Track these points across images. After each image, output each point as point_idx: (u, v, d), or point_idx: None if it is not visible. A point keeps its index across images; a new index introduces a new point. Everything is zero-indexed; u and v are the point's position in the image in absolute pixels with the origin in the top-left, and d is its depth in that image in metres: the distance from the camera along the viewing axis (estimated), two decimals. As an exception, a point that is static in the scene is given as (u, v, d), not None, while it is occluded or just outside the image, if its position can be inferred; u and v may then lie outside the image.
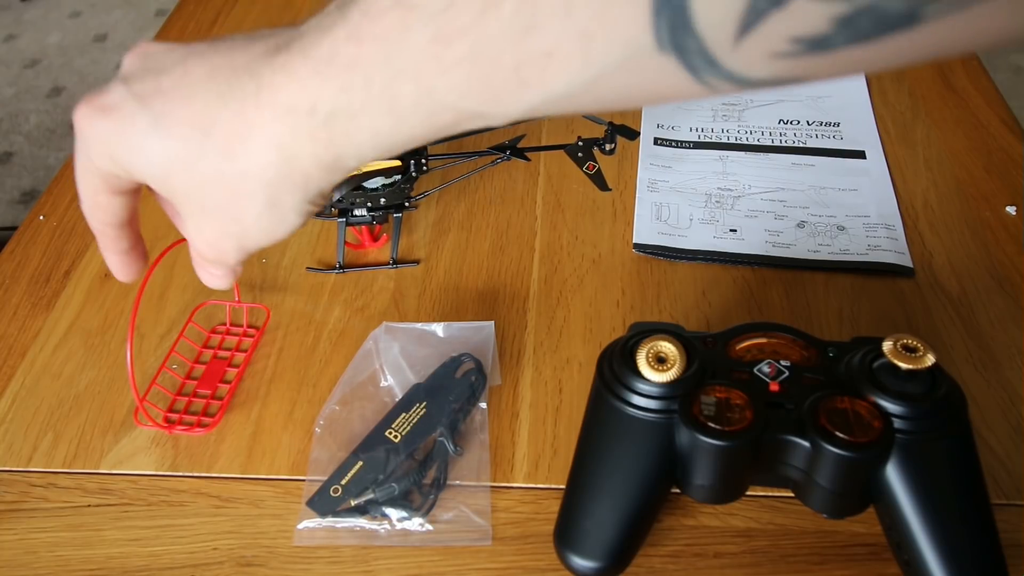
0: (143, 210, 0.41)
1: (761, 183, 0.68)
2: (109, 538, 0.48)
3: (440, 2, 0.27)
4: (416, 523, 0.47)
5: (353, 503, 0.48)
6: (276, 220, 0.35)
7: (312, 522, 0.47)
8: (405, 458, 0.49)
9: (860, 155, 0.71)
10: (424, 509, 0.47)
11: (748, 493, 0.46)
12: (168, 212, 0.40)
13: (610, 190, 0.67)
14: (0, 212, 2.01)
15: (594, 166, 0.62)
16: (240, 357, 0.56)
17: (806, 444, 0.40)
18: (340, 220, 0.62)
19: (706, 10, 0.23)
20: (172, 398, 0.54)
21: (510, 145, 0.63)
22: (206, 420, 0.53)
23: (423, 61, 0.28)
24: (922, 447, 0.40)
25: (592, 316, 0.59)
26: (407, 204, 0.62)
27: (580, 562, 0.43)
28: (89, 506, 0.50)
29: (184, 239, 0.40)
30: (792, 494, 0.44)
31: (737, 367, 0.43)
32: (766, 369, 0.43)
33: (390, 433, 0.50)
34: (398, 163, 0.59)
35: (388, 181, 0.60)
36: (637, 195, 0.68)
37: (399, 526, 0.47)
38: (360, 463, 0.49)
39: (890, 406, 0.40)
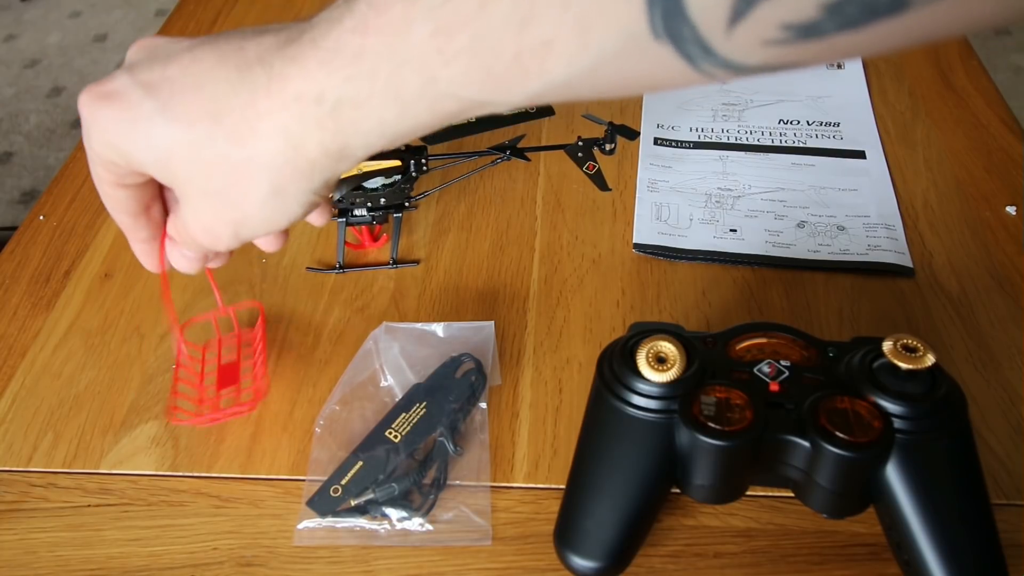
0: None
1: (761, 183, 0.68)
2: (109, 538, 0.48)
3: None
4: (416, 523, 0.47)
5: (353, 503, 0.48)
6: (278, 208, 0.35)
7: (312, 522, 0.47)
8: (405, 458, 0.49)
9: (860, 155, 0.71)
10: (424, 509, 0.47)
11: (748, 493, 0.46)
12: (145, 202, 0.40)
13: (610, 190, 0.67)
14: (0, 212, 2.01)
15: (594, 166, 0.62)
16: (248, 354, 0.56)
17: (806, 444, 0.40)
18: (340, 220, 0.62)
19: None
20: (199, 398, 0.53)
21: (510, 145, 0.63)
22: (241, 406, 0.52)
23: (426, 53, 0.29)
24: (922, 447, 0.40)
25: (592, 316, 0.59)
26: (407, 204, 0.62)
27: (580, 562, 0.43)
28: (89, 506, 0.50)
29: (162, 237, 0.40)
30: (792, 494, 0.44)
31: (737, 367, 0.43)
32: (766, 369, 0.43)
33: (390, 433, 0.50)
34: (398, 163, 0.59)
35: (388, 181, 0.60)
36: (637, 195, 0.68)
37: (399, 526, 0.47)
38: (360, 463, 0.49)
39: (890, 406, 0.40)
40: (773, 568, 0.45)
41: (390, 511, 0.47)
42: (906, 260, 0.61)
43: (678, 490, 0.44)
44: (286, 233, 0.42)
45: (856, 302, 0.59)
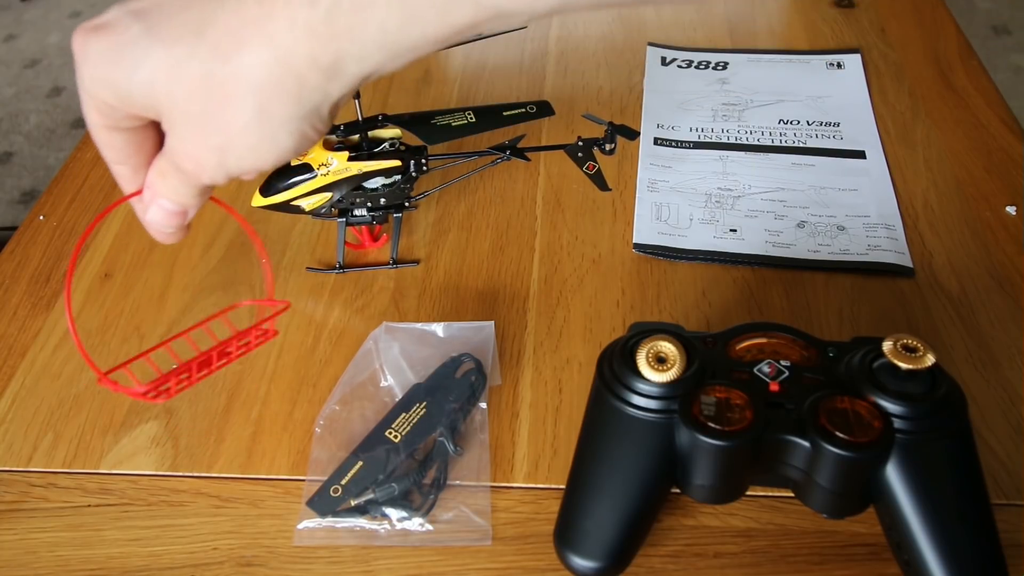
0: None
1: (761, 183, 0.68)
2: (109, 538, 0.48)
3: None
4: (416, 523, 0.47)
5: (353, 503, 0.48)
6: (264, 135, 0.33)
7: (312, 522, 0.47)
8: (405, 458, 0.49)
9: (860, 155, 0.71)
10: (424, 509, 0.47)
11: (748, 493, 0.46)
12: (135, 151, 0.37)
13: (610, 190, 0.67)
14: (0, 212, 2.01)
15: (594, 166, 0.62)
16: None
17: (806, 444, 0.40)
18: (340, 220, 0.62)
19: None
20: (157, 374, 0.48)
21: (510, 145, 0.63)
22: (162, 390, 0.47)
23: None
24: (922, 447, 0.40)
25: (592, 316, 0.59)
26: (407, 204, 0.62)
27: (580, 562, 0.43)
28: (89, 506, 0.50)
29: (134, 193, 0.38)
30: (792, 494, 0.44)
31: (737, 367, 0.43)
32: (766, 369, 0.43)
33: (390, 433, 0.50)
34: (398, 163, 0.59)
35: (388, 181, 0.60)
36: (637, 195, 0.68)
37: (399, 526, 0.47)
38: (360, 463, 0.49)
39: (890, 406, 0.40)
40: (773, 568, 0.45)
41: (390, 511, 0.47)
42: (906, 260, 0.61)
43: (678, 490, 0.44)
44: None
45: (856, 302, 0.59)
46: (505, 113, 0.62)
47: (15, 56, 2.51)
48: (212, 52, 0.31)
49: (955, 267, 0.61)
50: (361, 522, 0.47)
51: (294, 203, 0.59)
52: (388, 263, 0.63)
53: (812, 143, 0.72)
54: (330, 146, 0.58)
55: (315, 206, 0.59)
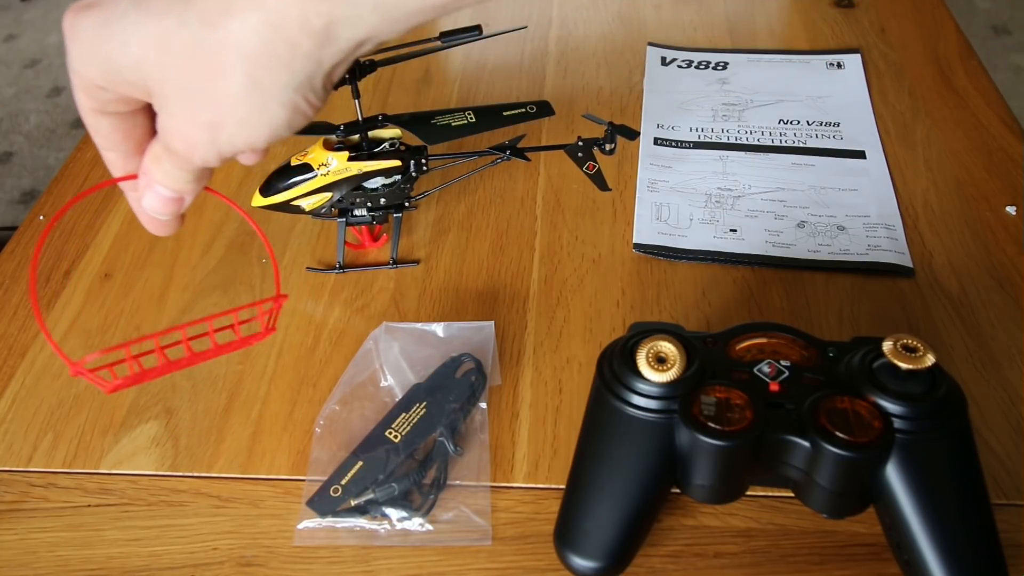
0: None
1: (761, 183, 0.68)
2: (109, 538, 0.48)
3: None
4: (416, 523, 0.47)
5: (353, 503, 0.48)
6: (256, 107, 0.31)
7: (312, 522, 0.47)
8: (405, 458, 0.49)
9: (860, 155, 0.71)
10: (424, 509, 0.47)
11: (748, 493, 0.46)
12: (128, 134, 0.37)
13: (610, 190, 0.67)
14: (0, 212, 2.01)
15: (594, 166, 0.62)
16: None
17: (806, 444, 0.40)
18: (340, 220, 0.62)
19: None
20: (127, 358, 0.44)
21: (510, 145, 0.63)
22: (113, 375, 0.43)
23: None
24: (922, 447, 0.40)
25: (592, 316, 0.59)
26: (407, 204, 0.62)
27: (580, 562, 0.43)
28: (89, 506, 0.50)
29: (124, 177, 0.37)
30: (792, 494, 0.44)
31: (737, 367, 0.43)
32: (766, 369, 0.43)
33: (390, 433, 0.50)
34: (398, 163, 0.59)
35: (388, 181, 0.60)
36: (637, 195, 0.68)
37: (399, 526, 0.47)
38: (360, 463, 0.49)
39: (890, 406, 0.40)
40: (773, 568, 0.45)
41: (390, 511, 0.47)
42: (906, 260, 0.61)
43: (678, 490, 0.44)
44: (266, 149, 0.38)
45: (856, 302, 0.59)
46: (505, 113, 0.62)
47: (15, 56, 2.51)
48: (201, 19, 0.30)
49: (955, 267, 0.61)
50: (361, 522, 0.47)
51: (294, 203, 0.59)
52: (388, 263, 0.63)
53: (812, 143, 0.72)
54: (330, 146, 0.58)
55: (315, 206, 0.59)
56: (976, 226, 0.64)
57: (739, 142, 0.73)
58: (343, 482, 0.48)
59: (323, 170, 0.58)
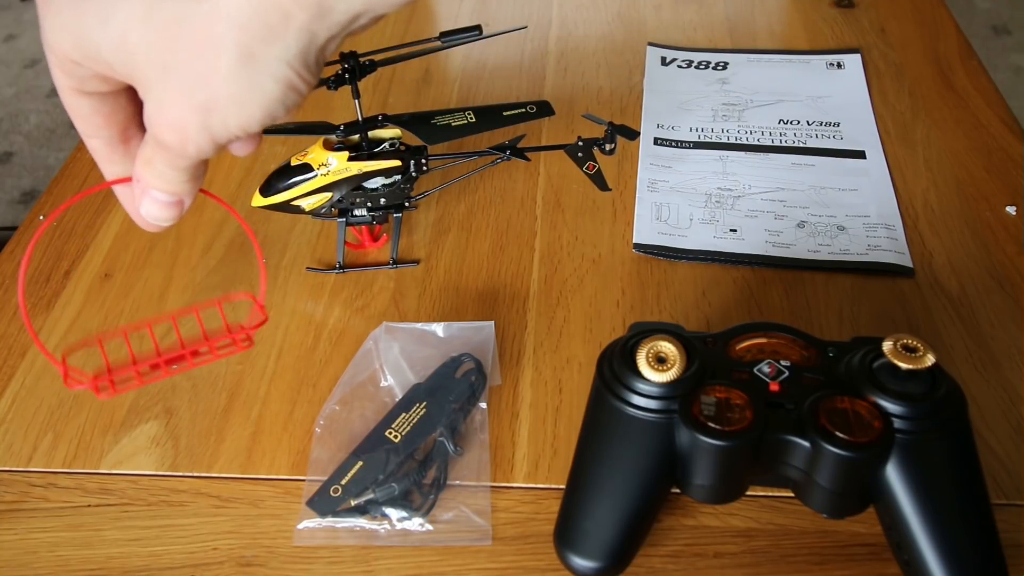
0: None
1: (761, 183, 0.68)
2: (109, 538, 0.48)
3: None
4: (416, 523, 0.47)
5: (353, 503, 0.48)
6: (249, 83, 0.30)
7: (312, 522, 0.47)
8: (405, 458, 0.49)
9: (860, 155, 0.71)
10: (424, 509, 0.47)
11: (748, 493, 0.46)
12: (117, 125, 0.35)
13: (610, 190, 0.67)
14: (0, 212, 2.01)
15: (594, 166, 0.62)
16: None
17: (806, 444, 0.40)
18: (340, 220, 0.62)
19: None
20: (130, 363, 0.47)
21: (510, 145, 0.63)
22: (109, 383, 0.45)
23: None
24: (922, 447, 0.40)
25: (592, 316, 0.59)
26: (407, 204, 0.62)
27: (580, 562, 0.43)
28: (89, 506, 0.50)
29: (117, 180, 0.36)
30: (792, 494, 0.44)
31: (737, 367, 0.43)
32: (766, 369, 0.43)
33: (390, 433, 0.50)
34: (398, 163, 0.59)
35: (388, 181, 0.60)
36: (637, 195, 0.68)
37: (399, 526, 0.47)
38: (360, 463, 0.49)
39: (890, 406, 0.40)
40: (773, 568, 0.45)
41: (390, 511, 0.47)
42: (906, 260, 0.61)
43: (678, 490, 0.44)
44: (259, 136, 0.36)
45: (856, 302, 0.59)
46: (505, 113, 0.62)
47: (15, 56, 2.51)
48: None
49: (955, 267, 0.61)
50: (361, 522, 0.47)
51: (294, 203, 0.59)
52: (388, 263, 0.63)
53: (812, 143, 0.72)
54: (330, 146, 0.58)
55: (315, 206, 0.59)
56: (976, 226, 0.64)
57: (739, 142, 0.73)
58: (343, 482, 0.48)
59: (323, 170, 0.58)
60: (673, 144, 0.73)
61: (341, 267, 0.63)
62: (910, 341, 0.40)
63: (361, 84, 0.57)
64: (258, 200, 0.59)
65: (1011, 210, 0.65)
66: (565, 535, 0.44)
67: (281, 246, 0.65)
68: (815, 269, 0.61)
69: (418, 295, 0.61)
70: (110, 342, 0.51)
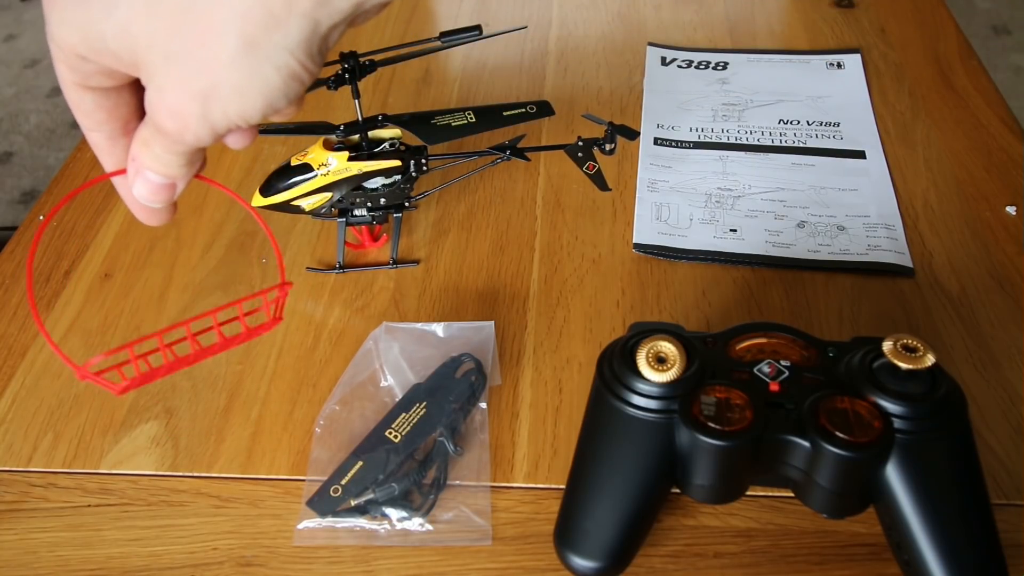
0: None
1: (761, 183, 0.68)
2: (109, 538, 0.48)
3: None
4: (416, 523, 0.47)
5: (353, 503, 0.48)
6: (251, 72, 0.30)
7: (312, 522, 0.47)
8: (405, 458, 0.49)
9: (860, 155, 0.71)
10: (424, 509, 0.47)
11: (748, 493, 0.46)
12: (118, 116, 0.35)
13: (610, 190, 0.67)
14: (0, 212, 2.01)
15: (594, 166, 0.62)
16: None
17: (806, 444, 0.40)
18: (340, 220, 0.62)
19: None
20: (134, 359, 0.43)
21: (510, 145, 0.63)
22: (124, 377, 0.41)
23: None
24: (922, 447, 0.40)
25: (592, 316, 0.59)
26: (407, 204, 0.62)
27: (580, 562, 0.43)
28: (89, 506, 0.50)
29: (115, 172, 0.36)
30: (792, 494, 0.44)
31: (737, 367, 0.43)
32: (766, 369, 0.43)
33: (390, 433, 0.50)
34: (398, 163, 0.59)
35: (388, 181, 0.60)
36: (637, 195, 0.68)
37: (399, 526, 0.47)
38: (360, 463, 0.49)
39: (890, 406, 0.40)
40: (773, 568, 0.45)
41: (390, 511, 0.47)
42: (906, 260, 0.61)
43: (678, 490, 0.44)
44: (255, 130, 0.36)
45: (856, 302, 0.59)
46: (505, 113, 0.62)
47: (15, 56, 2.51)
48: None
49: (955, 267, 0.61)
50: (361, 522, 0.47)
51: (294, 203, 0.59)
52: (388, 263, 0.63)
53: (812, 143, 0.72)
54: (330, 146, 0.58)
55: (315, 206, 0.59)
56: (976, 226, 0.64)
57: (739, 142, 0.73)
58: (343, 482, 0.48)
59: (323, 170, 0.58)
60: (673, 144, 0.73)
61: (341, 267, 0.63)
62: (910, 341, 0.40)
63: (361, 84, 0.57)
64: (258, 200, 0.59)
65: (1011, 210, 0.65)
66: (565, 535, 0.44)
67: (281, 246, 0.65)
68: (815, 269, 0.61)
69: (418, 295, 0.61)
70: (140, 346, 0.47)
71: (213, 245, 0.65)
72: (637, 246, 0.63)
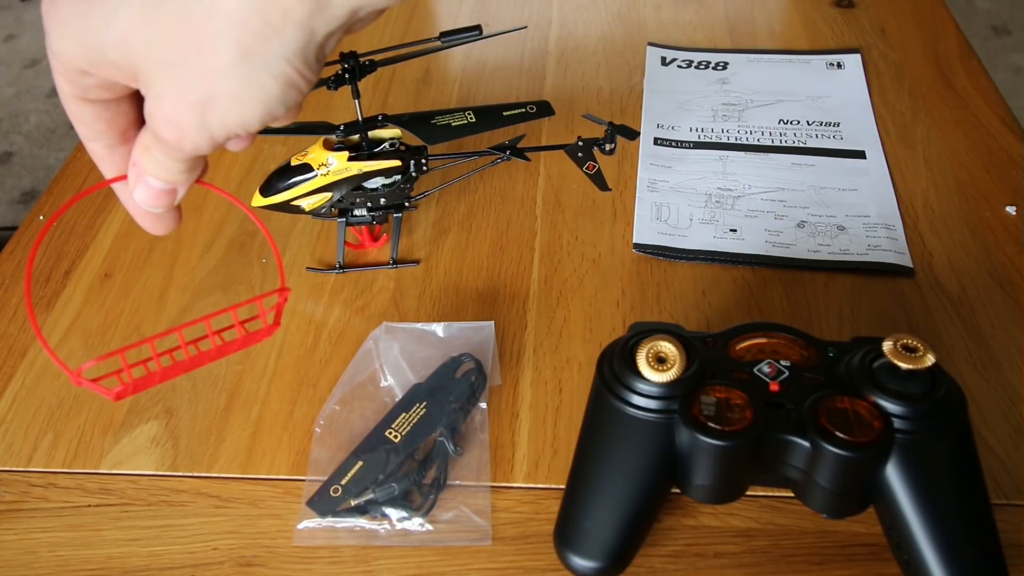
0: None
1: (761, 183, 0.68)
2: (109, 538, 0.48)
3: None
4: (416, 523, 0.47)
5: (353, 503, 0.48)
6: (249, 81, 0.30)
7: (312, 522, 0.47)
8: (405, 458, 0.49)
9: (860, 155, 0.71)
10: (424, 509, 0.47)
11: (748, 493, 0.46)
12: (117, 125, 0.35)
13: (610, 190, 0.67)
14: (0, 212, 2.01)
15: (594, 166, 0.62)
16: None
17: (806, 444, 0.40)
18: (340, 220, 0.62)
19: None
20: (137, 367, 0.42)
21: (510, 145, 0.63)
22: (119, 382, 0.41)
23: None
24: (922, 447, 0.40)
25: (592, 316, 0.59)
26: (407, 204, 0.62)
27: (580, 562, 0.43)
28: (89, 506, 0.50)
29: (117, 178, 0.36)
30: (792, 494, 0.44)
31: (737, 367, 0.43)
32: (766, 369, 0.43)
33: (390, 433, 0.50)
34: (398, 163, 0.59)
35: (388, 181, 0.60)
36: (637, 195, 0.68)
37: (399, 526, 0.47)
38: (360, 463, 0.49)
39: (890, 406, 0.40)
40: (773, 568, 0.45)
41: (390, 511, 0.47)
42: (906, 260, 0.61)
43: (678, 490, 0.44)
44: (255, 134, 0.35)
45: (856, 302, 0.59)
46: (505, 113, 0.62)
47: (15, 56, 2.51)
48: None
49: (955, 267, 0.61)
50: (361, 522, 0.47)
51: (294, 203, 0.59)
52: (388, 263, 0.63)
53: (812, 143, 0.72)
54: (330, 146, 0.58)
55: (315, 206, 0.59)
56: (976, 226, 0.64)
57: (739, 142, 0.73)
58: (343, 482, 0.48)
59: (323, 170, 0.58)
60: (673, 144, 0.73)
61: (341, 267, 0.63)
62: (910, 341, 0.40)
63: (361, 84, 0.57)
64: (258, 200, 0.59)
65: (1011, 210, 0.65)
66: (565, 535, 0.44)
67: (281, 246, 0.65)
68: (815, 269, 0.61)
69: (418, 295, 0.61)
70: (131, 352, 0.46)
71: (213, 245, 0.65)
72: (637, 246, 0.63)
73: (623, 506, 0.42)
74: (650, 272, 0.62)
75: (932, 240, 0.63)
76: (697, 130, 0.74)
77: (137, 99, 0.34)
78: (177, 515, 0.49)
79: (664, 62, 0.83)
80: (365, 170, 0.59)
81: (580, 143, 0.62)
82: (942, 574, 0.39)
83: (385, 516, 0.47)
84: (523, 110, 0.62)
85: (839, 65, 0.81)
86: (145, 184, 0.35)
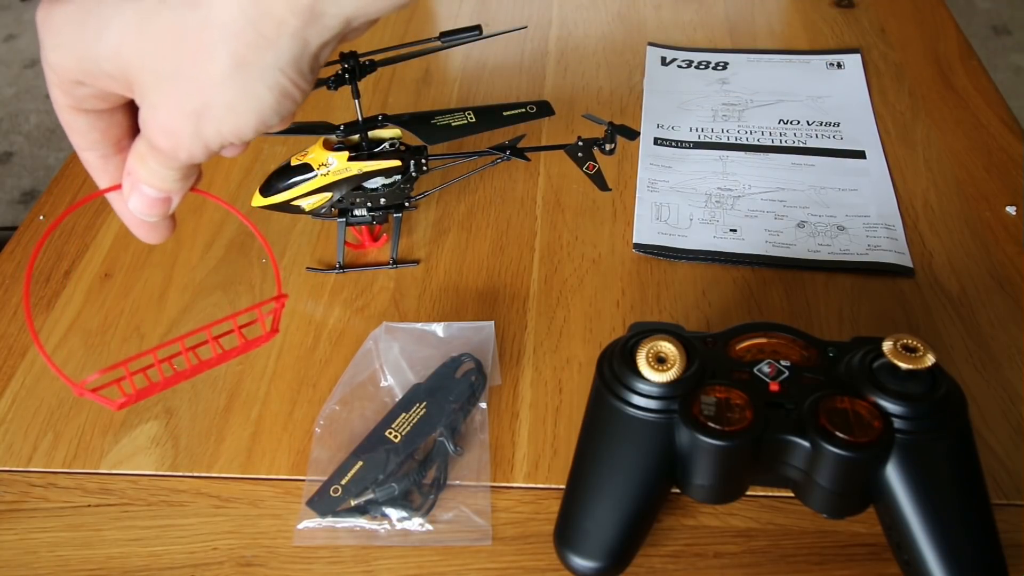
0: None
1: (761, 183, 0.68)
2: (109, 538, 0.48)
3: None
4: (416, 523, 0.47)
5: (353, 503, 0.48)
6: (243, 90, 0.30)
7: (312, 522, 0.47)
8: (405, 458, 0.49)
9: (860, 155, 0.71)
10: (424, 509, 0.47)
11: (748, 493, 0.46)
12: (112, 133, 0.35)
13: (610, 190, 0.67)
14: (0, 212, 2.01)
15: (594, 166, 0.62)
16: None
17: (806, 444, 0.40)
18: (340, 220, 0.62)
19: None
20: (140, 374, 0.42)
21: (510, 145, 0.63)
22: (123, 393, 0.41)
23: None
24: (922, 447, 0.40)
25: (592, 316, 0.59)
26: (407, 204, 0.62)
27: (580, 562, 0.43)
28: (89, 506, 0.50)
29: (112, 187, 0.36)
30: (792, 494, 0.44)
31: (737, 367, 0.43)
32: (766, 369, 0.43)
33: (390, 433, 0.50)
34: (398, 163, 0.59)
35: (388, 181, 0.60)
36: (637, 195, 0.68)
37: (399, 526, 0.47)
38: (360, 463, 0.49)
39: (890, 406, 0.40)
40: (773, 568, 0.45)
41: (390, 511, 0.47)
42: (906, 260, 0.61)
43: (678, 490, 0.44)
44: (248, 142, 0.35)
45: (856, 302, 0.59)
46: (505, 113, 0.62)
47: (15, 56, 2.51)
48: (180, 1, 0.29)
49: (955, 267, 0.61)
50: (361, 522, 0.47)
51: (294, 203, 0.59)
52: (388, 263, 0.63)
53: (812, 143, 0.72)
54: (330, 146, 0.58)
55: (315, 206, 0.59)
56: (976, 226, 0.64)
57: (739, 142, 0.73)
58: (343, 482, 0.48)
59: (323, 170, 0.58)
60: (673, 144, 0.73)
61: (341, 267, 0.63)
62: (910, 341, 0.40)
63: (361, 84, 0.57)
64: (258, 200, 0.59)
65: (1011, 210, 0.65)
66: (565, 535, 0.44)
67: (281, 246, 0.65)
68: (815, 269, 0.61)
69: (418, 295, 0.61)
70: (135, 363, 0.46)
71: (213, 245, 0.65)
72: (637, 246, 0.63)
73: (623, 506, 0.42)
74: (650, 272, 0.62)
75: (932, 240, 0.63)
76: (697, 130, 0.74)
77: (131, 109, 0.35)
78: (177, 515, 0.49)
79: (664, 62, 0.83)
80: (365, 170, 0.59)
81: (580, 143, 0.62)
82: (942, 574, 0.39)
83: (385, 516, 0.47)
84: (523, 110, 0.62)
85: (839, 65, 0.81)
86: (140, 193, 0.35)
